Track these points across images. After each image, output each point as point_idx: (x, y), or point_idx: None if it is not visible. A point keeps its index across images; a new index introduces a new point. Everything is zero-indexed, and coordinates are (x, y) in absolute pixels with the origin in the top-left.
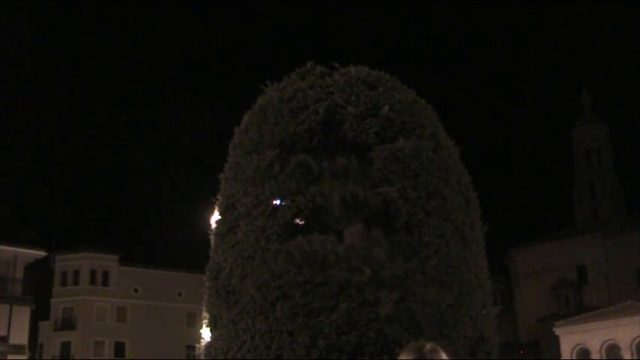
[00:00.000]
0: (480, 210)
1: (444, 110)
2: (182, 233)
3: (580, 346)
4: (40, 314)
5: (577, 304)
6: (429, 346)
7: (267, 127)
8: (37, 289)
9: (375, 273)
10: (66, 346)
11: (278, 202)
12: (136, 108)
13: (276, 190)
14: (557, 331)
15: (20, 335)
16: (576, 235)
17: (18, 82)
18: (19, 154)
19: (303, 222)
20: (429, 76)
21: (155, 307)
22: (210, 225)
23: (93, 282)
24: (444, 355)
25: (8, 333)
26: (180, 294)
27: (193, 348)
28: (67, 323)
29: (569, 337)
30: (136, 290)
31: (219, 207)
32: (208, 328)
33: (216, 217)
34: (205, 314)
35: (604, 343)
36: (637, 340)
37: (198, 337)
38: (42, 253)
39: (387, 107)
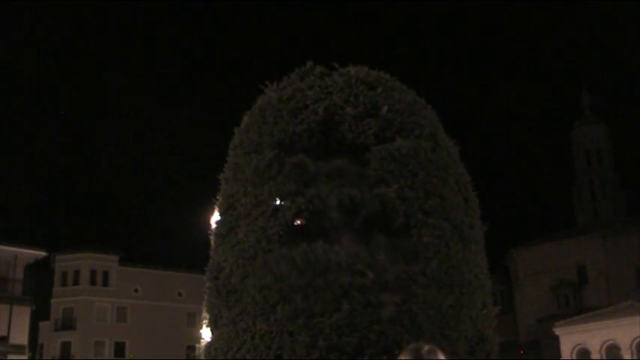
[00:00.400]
0: (480, 210)
1: (444, 110)
2: (182, 233)
3: (580, 346)
4: (40, 314)
5: (577, 304)
6: (426, 347)
7: (266, 128)
8: (37, 289)
9: (378, 276)
10: (66, 347)
11: (278, 202)
12: (136, 108)
13: (276, 190)
14: (557, 331)
15: (20, 335)
16: (576, 235)
17: (18, 82)
18: (19, 154)
19: (303, 223)
20: (429, 76)
21: (155, 307)
22: (210, 225)
23: (93, 282)
24: (441, 356)
25: (8, 333)
26: (180, 294)
27: (193, 348)
28: (67, 323)
29: (569, 337)
30: (136, 290)
31: (220, 207)
32: (208, 328)
33: (216, 217)
34: (205, 314)
35: (604, 343)
36: (637, 340)
37: (198, 337)
38: (42, 253)
39: (386, 107)
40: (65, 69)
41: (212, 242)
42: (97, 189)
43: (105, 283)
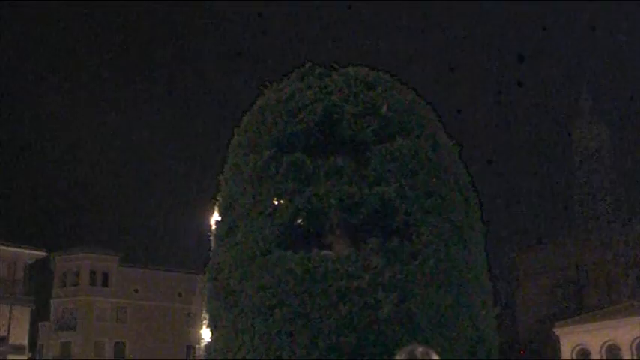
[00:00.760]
0: (480, 210)
1: (444, 110)
2: (182, 233)
3: (580, 347)
4: (40, 314)
5: (577, 304)
6: (421, 348)
7: (265, 128)
8: (37, 289)
9: (374, 278)
10: (66, 347)
11: (276, 202)
12: (136, 108)
13: (274, 190)
14: (557, 331)
15: (20, 335)
16: (576, 235)
17: (18, 82)
18: (19, 154)
19: (302, 223)
20: (429, 76)
21: (155, 307)
22: (210, 225)
23: (93, 282)
24: (435, 356)
25: (8, 333)
26: (180, 294)
27: (193, 348)
28: (67, 323)
29: (569, 337)
30: (136, 290)
31: (219, 208)
32: (208, 329)
33: (216, 217)
34: (205, 314)
35: (604, 343)
36: (637, 340)
37: (198, 337)
38: (42, 253)
39: (385, 107)
40: (65, 68)
41: (212, 242)
42: (97, 189)
43: (105, 283)
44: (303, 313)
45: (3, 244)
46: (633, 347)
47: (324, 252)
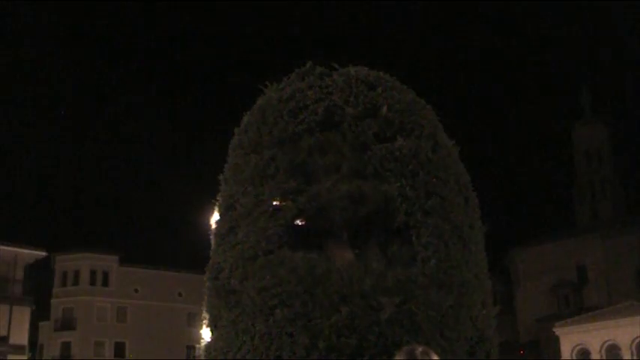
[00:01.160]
0: (480, 210)
1: (444, 110)
2: (182, 233)
3: (580, 346)
4: (40, 314)
5: (577, 304)
6: (420, 349)
7: (266, 128)
8: (37, 289)
9: (377, 281)
10: (66, 347)
11: (278, 202)
12: (136, 107)
13: (276, 189)
14: (557, 331)
15: (20, 335)
16: (576, 235)
17: (18, 82)
18: (20, 154)
19: (304, 223)
20: (429, 76)
21: (155, 307)
22: (210, 225)
23: (93, 282)
24: (434, 356)
25: (8, 333)
26: (180, 294)
27: (193, 348)
28: (67, 323)
29: (569, 337)
30: (136, 290)
31: (219, 207)
32: (208, 328)
33: (216, 217)
34: (205, 314)
35: (604, 343)
36: (637, 340)
37: (198, 337)
38: (42, 253)
39: (385, 107)
40: (65, 68)
41: (212, 242)
42: (98, 189)
43: (105, 283)
44: (304, 313)
45: (3, 244)
46: (633, 347)
47: (327, 256)
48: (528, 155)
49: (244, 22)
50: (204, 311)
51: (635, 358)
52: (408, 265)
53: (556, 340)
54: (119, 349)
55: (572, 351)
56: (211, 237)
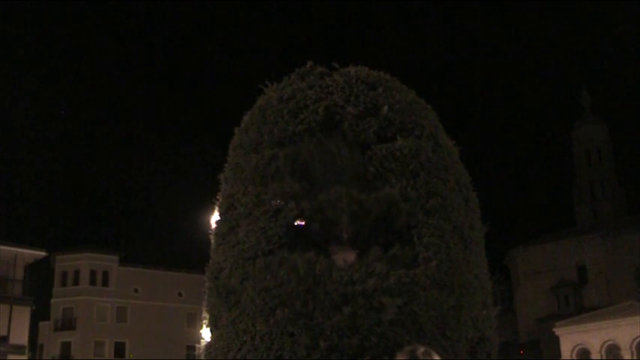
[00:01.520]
0: (480, 210)
1: (444, 110)
2: (182, 233)
3: (580, 346)
4: (40, 314)
5: (577, 304)
6: (422, 349)
7: (266, 127)
8: (37, 289)
9: (380, 283)
10: (66, 347)
11: (279, 202)
12: (136, 107)
13: (280, 191)
14: (557, 331)
15: (20, 335)
16: (576, 235)
17: (18, 81)
18: (20, 154)
19: (304, 224)
20: (430, 77)
21: (155, 307)
22: (210, 225)
23: (93, 282)
24: (436, 357)
25: (8, 333)
26: (180, 294)
27: (193, 348)
28: (67, 323)
29: (569, 337)
30: (136, 290)
31: (220, 207)
32: (208, 328)
33: (216, 217)
34: (205, 314)
35: (604, 343)
36: (637, 340)
37: (198, 337)
38: (42, 253)
39: (386, 107)
40: (65, 69)
41: (212, 242)
42: (98, 189)
43: (105, 283)
44: (305, 313)
45: (3, 244)
46: (633, 347)
47: (329, 258)
48: (528, 155)
49: (244, 22)
50: (204, 311)
51: (635, 358)
52: (410, 265)
53: (556, 340)
54: (119, 349)
55: (572, 351)
56: (211, 237)
